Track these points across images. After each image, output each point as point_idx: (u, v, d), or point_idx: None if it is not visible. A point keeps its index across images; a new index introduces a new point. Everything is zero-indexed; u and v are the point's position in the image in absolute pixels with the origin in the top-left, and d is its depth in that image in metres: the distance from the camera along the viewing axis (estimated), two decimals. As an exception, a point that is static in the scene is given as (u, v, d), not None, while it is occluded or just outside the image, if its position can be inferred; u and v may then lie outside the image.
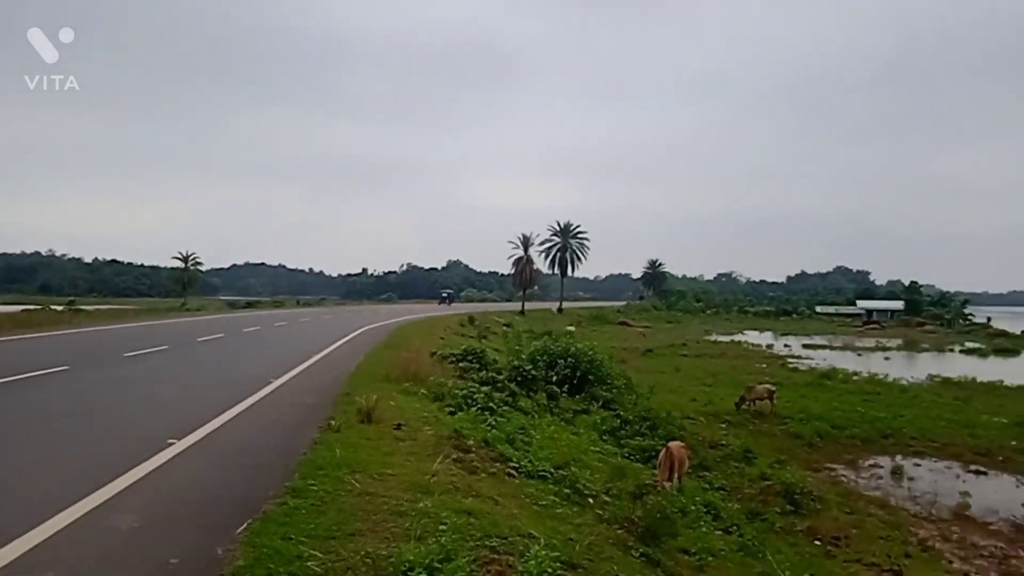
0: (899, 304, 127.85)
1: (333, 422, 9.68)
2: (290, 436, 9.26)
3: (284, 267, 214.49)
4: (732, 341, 67.69)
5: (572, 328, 57.00)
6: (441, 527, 5.62)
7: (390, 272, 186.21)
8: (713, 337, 72.41)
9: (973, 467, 18.36)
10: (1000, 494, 16.04)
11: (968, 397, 29.91)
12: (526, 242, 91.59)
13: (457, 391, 13.84)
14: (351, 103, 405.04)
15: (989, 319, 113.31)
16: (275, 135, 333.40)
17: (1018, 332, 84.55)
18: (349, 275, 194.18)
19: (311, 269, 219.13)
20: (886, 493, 15.79)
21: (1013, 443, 20.37)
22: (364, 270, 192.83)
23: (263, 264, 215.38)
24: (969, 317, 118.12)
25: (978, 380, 35.74)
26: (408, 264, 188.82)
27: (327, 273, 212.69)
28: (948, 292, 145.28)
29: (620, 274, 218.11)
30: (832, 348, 63.80)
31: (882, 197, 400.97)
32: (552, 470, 9.78)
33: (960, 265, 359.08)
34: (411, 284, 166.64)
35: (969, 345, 70.21)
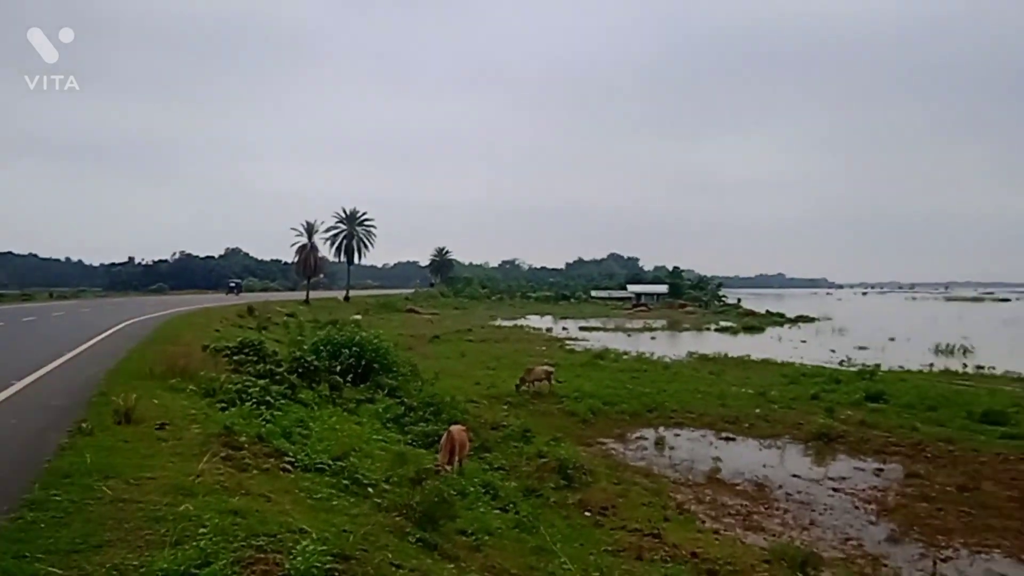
0: (664, 288, 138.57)
1: (85, 424, 8.86)
2: (32, 443, 8.34)
3: (35, 256, 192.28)
4: (515, 325, 70.03)
5: (359, 316, 56.15)
6: (202, 530, 5.33)
7: (161, 261, 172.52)
8: (498, 322, 74.51)
9: (724, 434, 20.25)
10: (745, 457, 17.83)
11: (721, 371, 33.02)
12: (310, 229, 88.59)
13: (231, 386, 13.19)
14: (112, 77, 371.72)
15: (739, 300, 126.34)
16: (18, 107, 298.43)
17: (763, 311, 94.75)
18: (113, 264, 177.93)
19: (68, 259, 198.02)
20: (650, 463, 17.04)
21: (757, 411, 22.73)
22: (131, 259, 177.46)
23: (9, 253, 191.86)
24: (723, 299, 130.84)
25: (729, 355, 39.63)
26: (181, 252, 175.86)
27: (87, 263, 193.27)
28: (706, 276, 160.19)
29: (409, 262, 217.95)
30: (606, 330, 67.86)
31: (650, 189, 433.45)
32: (331, 462, 9.60)
33: (716, 251, 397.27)
34: (185, 273, 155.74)
35: (723, 324, 77.48)
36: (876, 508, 13.86)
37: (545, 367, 26.29)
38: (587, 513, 12.12)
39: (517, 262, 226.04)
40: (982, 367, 36.51)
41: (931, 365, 37.64)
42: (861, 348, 47.01)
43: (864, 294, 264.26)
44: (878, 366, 34.43)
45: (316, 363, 18.64)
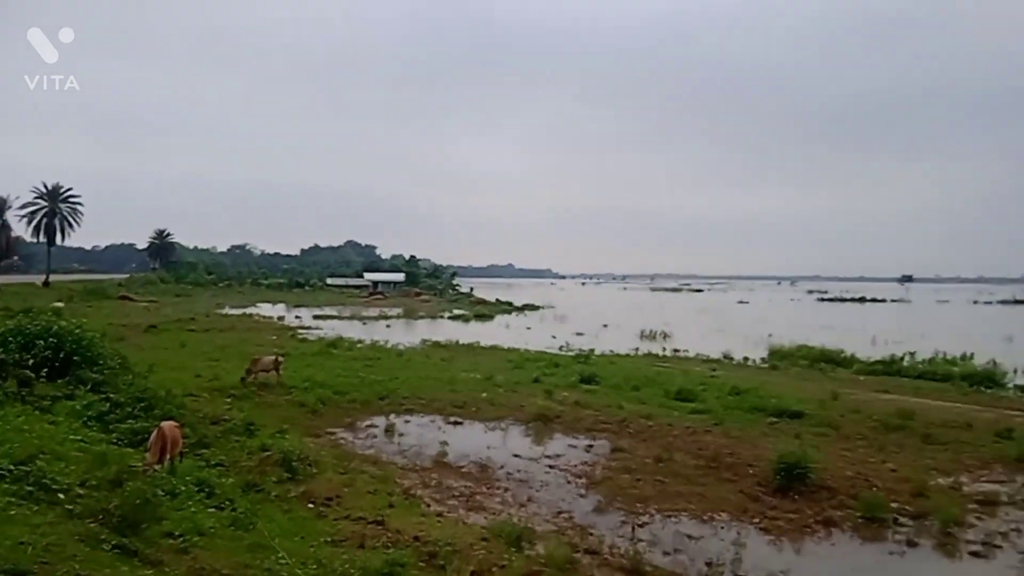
0: (401, 276, 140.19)
1: None
2: None
3: None
4: (244, 314, 66.94)
5: (61, 304, 50.23)
6: None
7: None
8: (225, 310, 70.81)
9: (452, 419, 20.76)
10: (471, 440, 18.43)
11: (452, 357, 34.03)
12: (1, 205, 77.77)
13: None
14: None
15: (472, 289, 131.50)
16: None
17: (493, 300, 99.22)
18: None
19: None
20: (379, 450, 17.03)
21: (484, 395, 23.65)
22: None
23: None
24: (457, 287, 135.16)
25: (461, 342, 41.01)
26: None
27: None
28: (441, 265, 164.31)
29: (124, 244, 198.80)
30: (341, 318, 67.02)
31: (390, 176, 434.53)
32: (12, 467, 8.46)
33: (451, 241, 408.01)
34: None
35: (456, 312, 79.85)
36: (586, 482, 14.99)
37: (272, 357, 25.33)
38: (310, 505, 11.85)
39: (248, 247, 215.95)
40: (678, 350, 41.19)
41: (637, 349, 41.77)
42: (579, 334, 50.94)
43: (583, 284, 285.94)
44: (592, 351, 37.56)
45: (2, 356, 16.42)
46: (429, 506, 12.84)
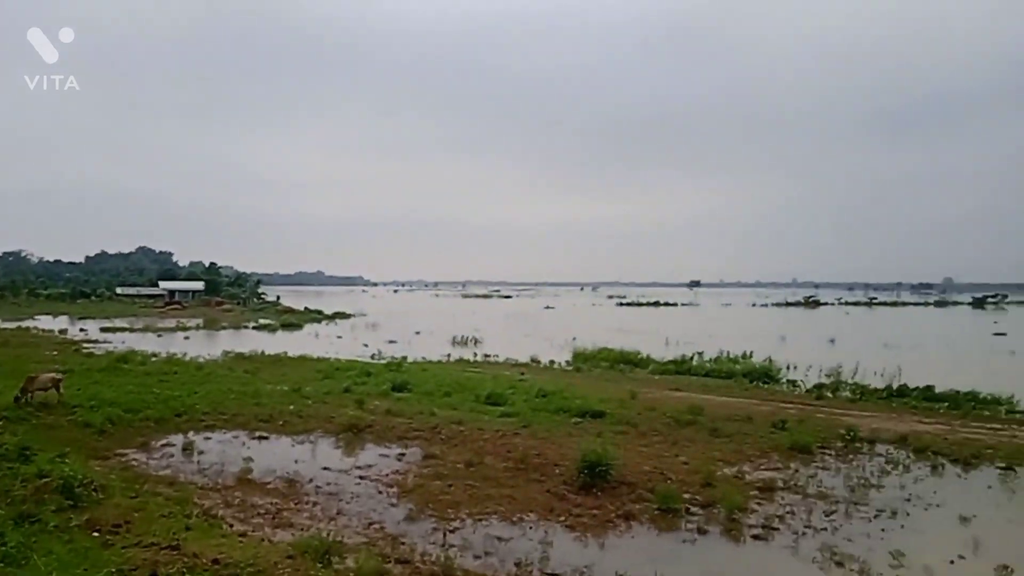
0: (200, 285, 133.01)
1: None
2: None
3: None
4: (20, 328, 61.17)
5: None
6: None
7: None
8: (-5, 324, 64.07)
9: (258, 434, 19.87)
10: (278, 455, 17.71)
11: (257, 369, 32.67)
12: None
13: None
14: None
15: (279, 297, 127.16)
16: None
17: (302, 308, 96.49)
18: None
19: None
20: (176, 470, 15.97)
21: (291, 408, 22.87)
22: None
23: None
24: (263, 296, 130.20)
25: (266, 353, 39.48)
26: None
27: None
28: (245, 273, 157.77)
29: None
30: (133, 330, 62.83)
31: (185, 179, 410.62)
32: None
33: (255, 248, 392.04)
34: None
35: (262, 321, 77.04)
36: (397, 491, 14.83)
37: (52, 374, 23.12)
38: (95, 533, 10.87)
39: (24, 254, 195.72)
40: (488, 355, 42.04)
41: (448, 355, 42.15)
42: (391, 342, 50.76)
43: (396, 291, 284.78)
44: (404, 358, 37.46)
45: None
46: (231, 526, 12.19)
